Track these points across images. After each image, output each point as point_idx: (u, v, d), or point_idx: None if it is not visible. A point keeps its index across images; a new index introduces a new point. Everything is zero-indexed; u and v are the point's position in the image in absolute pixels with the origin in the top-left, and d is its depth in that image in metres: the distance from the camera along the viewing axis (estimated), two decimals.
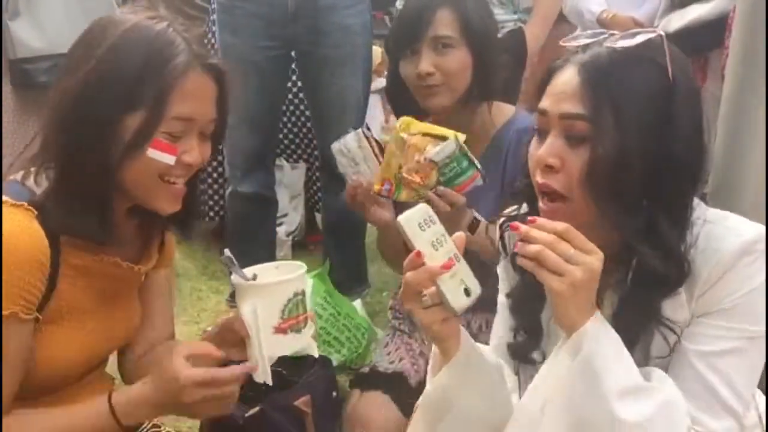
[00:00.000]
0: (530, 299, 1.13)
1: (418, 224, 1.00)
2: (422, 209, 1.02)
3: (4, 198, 1.06)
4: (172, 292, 1.54)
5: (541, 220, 0.98)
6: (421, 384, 1.43)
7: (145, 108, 1.06)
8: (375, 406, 1.70)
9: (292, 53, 2.61)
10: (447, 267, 0.98)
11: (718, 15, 2.19)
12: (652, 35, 1.02)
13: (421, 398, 1.15)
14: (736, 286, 1.00)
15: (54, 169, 1.10)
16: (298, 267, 1.15)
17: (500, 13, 2.46)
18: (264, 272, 1.17)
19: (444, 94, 1.70)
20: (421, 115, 1.82)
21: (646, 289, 1.02)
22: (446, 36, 1.68)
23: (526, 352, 1.16)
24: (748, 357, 1.02)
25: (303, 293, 1.12)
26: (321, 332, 2.07)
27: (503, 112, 1.80)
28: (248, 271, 1.15)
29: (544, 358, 1.13)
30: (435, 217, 1.02)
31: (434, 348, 1.12)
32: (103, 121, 1.06)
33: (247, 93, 2.57)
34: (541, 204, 1.07)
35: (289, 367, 1.82)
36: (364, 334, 2.15)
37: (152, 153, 1.07)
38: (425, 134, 1.56)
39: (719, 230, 1.03)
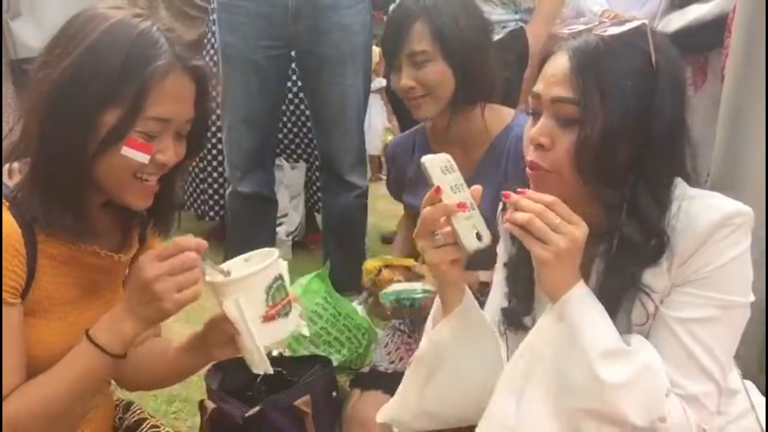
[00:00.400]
0: (525, 267, 1.18)
1: (441, 168, 1.07)
2: (445, 157, 1.09)
3: None
4: None
5: (531, 192, 1.04)
6: None
7: (123, 106, 1.05)
8: (375, 406, 1.69)
9: (292, 53, 2.61)
10: (462, 207, 1.06)
11: (718, 15, 2.19)
12: (638, 23, 1.06)
13: (416, 353, 1.20)
14: (713, 257, 1.04)
15: (30, 161, 1.10)
16: (270, 253, 1.14)
17: (501, 13, 2.46)
18: (236, 267, 1.16)
19: (429, 104, 1.72)
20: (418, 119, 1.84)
21: (628, 258, 1.07)
22: (420, 51, 1.68)
23: (518, 316, 1.20)
24: (725, 324, 1.05)
25: (281, 277, 1.12)
26: (321, 332, 2.06)
27: (501, 116, 1.79)
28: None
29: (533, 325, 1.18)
30: (456, 167, 1.09)
31: (435, 303, 1.18)
32: (81, 116, 1.05)
33: (247, 92, 2.57)
34: (529, 171, 1.11)
35: (289, 367, 1.82)
36: (364, 335, 2.14)
37: (126, 151, 1.07)
38: (387, 266, 1.76)
39: (700, 204, 1.06)
